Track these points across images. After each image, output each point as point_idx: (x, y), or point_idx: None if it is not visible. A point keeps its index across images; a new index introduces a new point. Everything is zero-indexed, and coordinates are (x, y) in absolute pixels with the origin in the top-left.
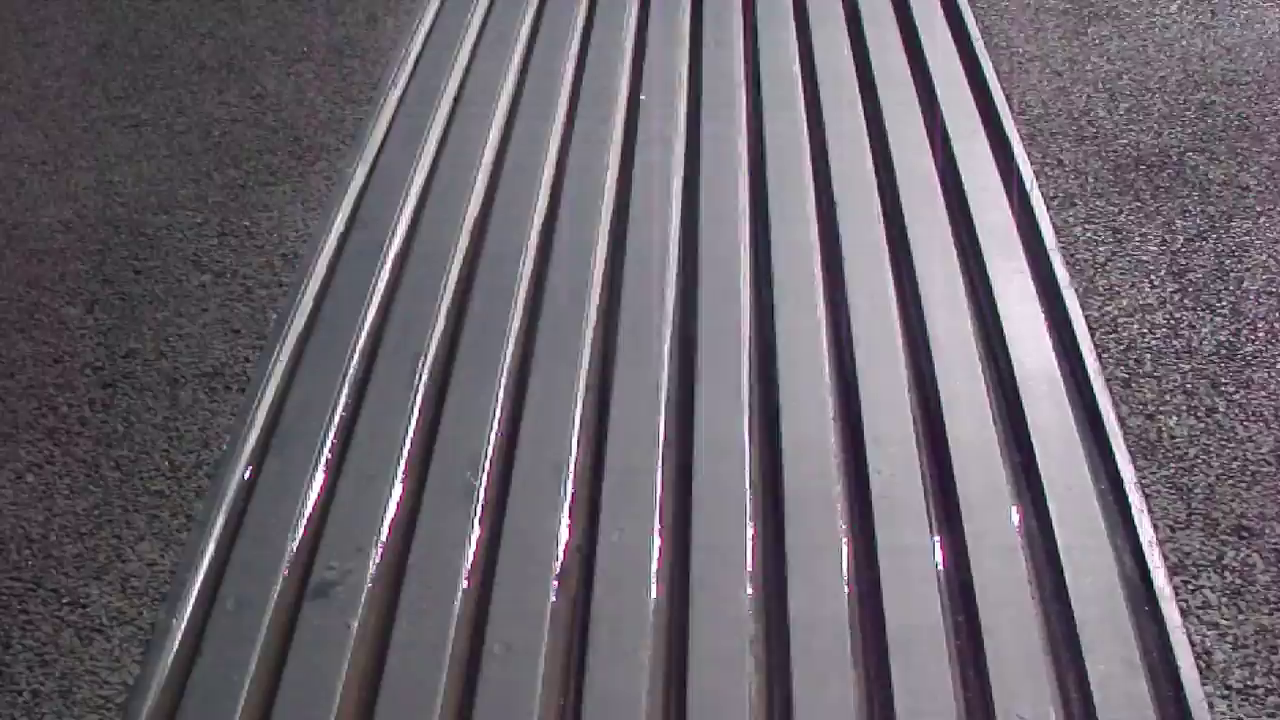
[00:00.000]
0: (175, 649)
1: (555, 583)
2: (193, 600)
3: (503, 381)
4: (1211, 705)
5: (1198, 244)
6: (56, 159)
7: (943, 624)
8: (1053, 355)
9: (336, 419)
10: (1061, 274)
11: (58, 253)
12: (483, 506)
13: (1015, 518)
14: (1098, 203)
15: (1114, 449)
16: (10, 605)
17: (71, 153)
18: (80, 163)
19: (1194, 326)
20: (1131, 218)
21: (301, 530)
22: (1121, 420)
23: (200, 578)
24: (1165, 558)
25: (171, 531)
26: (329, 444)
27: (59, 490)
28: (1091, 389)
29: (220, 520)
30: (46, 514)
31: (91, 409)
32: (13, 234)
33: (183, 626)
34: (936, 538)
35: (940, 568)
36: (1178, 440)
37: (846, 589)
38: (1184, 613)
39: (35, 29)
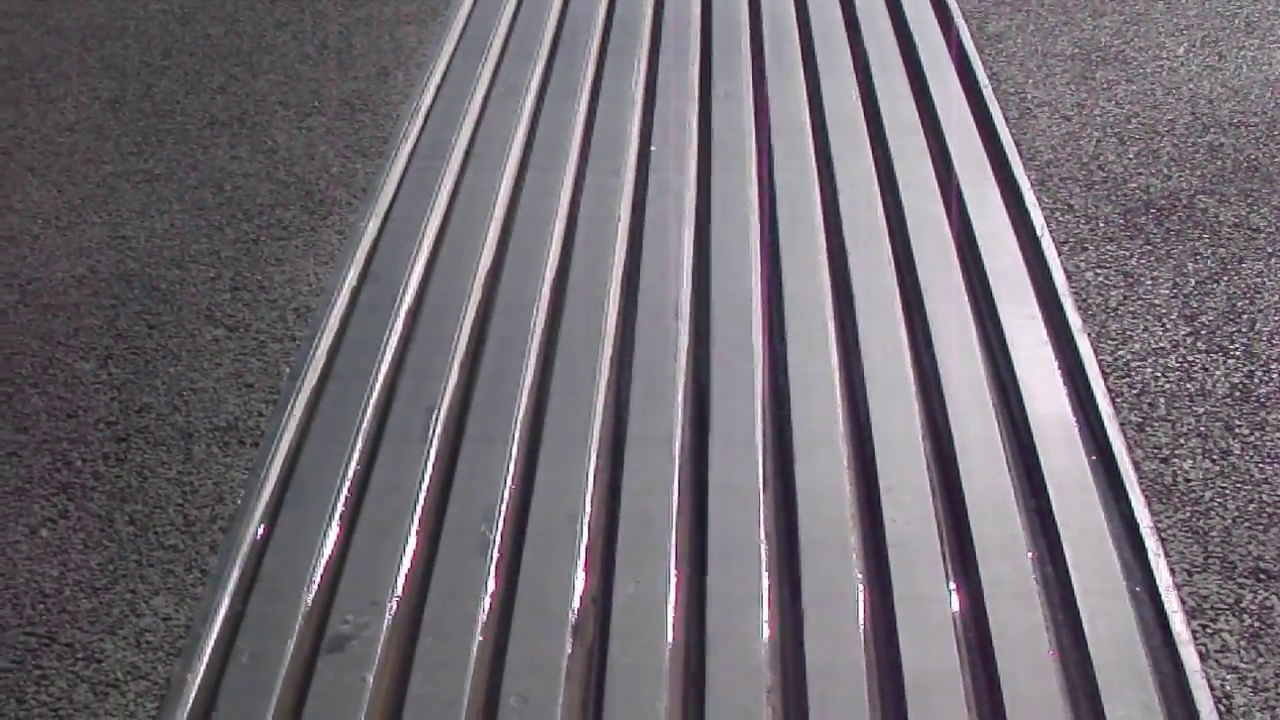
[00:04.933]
0: (190, 704)
1: (571, 634)
2: (208, 655)
3: (516, 433)
4: None
5: (1209, 286)
6: (70, 214)
7: (960, 671)
8: (1066, 400)
9: (350, 472)
10: (1073, 319)
11: (71, 308)
12: (497, 559)
13: (1031, 564)
14: (1109, 247)
15: (1129, 493)
16: (25, 660)
17: (85, 208)
18: (93, 218)
19: (1207, 369)
20: (1143, 261)
21: (316, 584)
22: (1136, 464)
23: (215, 632)
24: (1183, 601)
25: (186, 586)
26: (343, 497)
27: (73, 545)
28: (1105, 433)
29: (235, 574)
30: (61, 569)
31: (105, 464)
32: (26, 289)
33: (198, 681)
34: (952, 584)
35: (957, 614)
36: (1193, 483)
37: (863, 637)
38: (1203, 657)
39: (48, 85)
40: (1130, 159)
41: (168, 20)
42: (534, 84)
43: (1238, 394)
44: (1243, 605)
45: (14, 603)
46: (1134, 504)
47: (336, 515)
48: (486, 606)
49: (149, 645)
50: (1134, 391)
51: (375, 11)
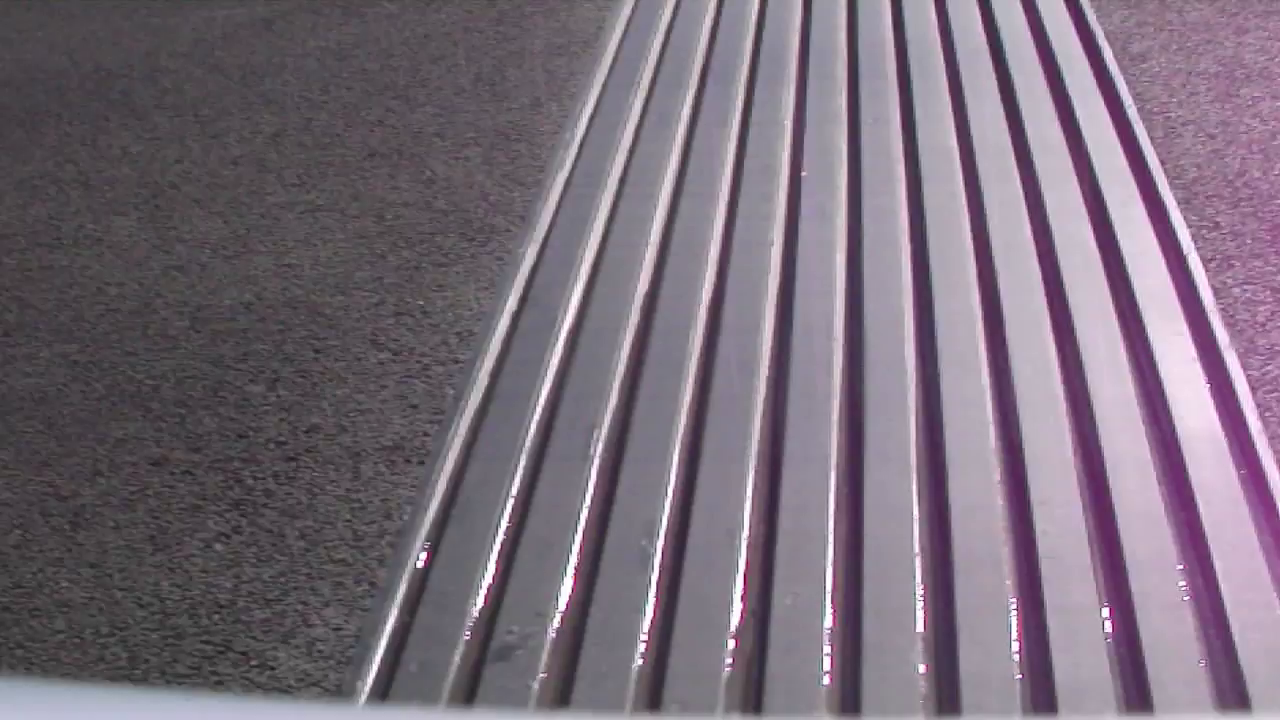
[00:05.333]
0: None
1: (730, 646)
2: (377, 663)
3: (676, 451)
4: None
5: None
6: (236, 244)
7: (1111, 682)
8: (1215, 416)
9: (514, 490)
10: (1221, 335)
11: (240, 333)
12: (658, 573)
13: (1181, 577)
14: (1255, 263)
15: (1278, 507)
16: (201, 667)
17: (250, 238)
18: (259, 247)
19: None
20: None
21: (482, 597)
22: None
23: (384, 642)
24: None
25: (355, 598)
26: (507, 514)
27: (246, 559)
28: (1255, 448)
29: (403, 587)
30: (235, 580)
31: (276, 481)
32: (196, 316)
33: (368, 688)
34: (1104, 597)
35: (1108, 627)
36: None
37: (1016, 649)
38: None
39: (212, 121)
40: (1276, 175)
41: (324, 56)
42: (685, 113)
43: None
44: None
45: (191, 613)
46: None
47: (501, 531)
48: (648, 619)
49: (320, 654)
50: None
51: (527, 44)
